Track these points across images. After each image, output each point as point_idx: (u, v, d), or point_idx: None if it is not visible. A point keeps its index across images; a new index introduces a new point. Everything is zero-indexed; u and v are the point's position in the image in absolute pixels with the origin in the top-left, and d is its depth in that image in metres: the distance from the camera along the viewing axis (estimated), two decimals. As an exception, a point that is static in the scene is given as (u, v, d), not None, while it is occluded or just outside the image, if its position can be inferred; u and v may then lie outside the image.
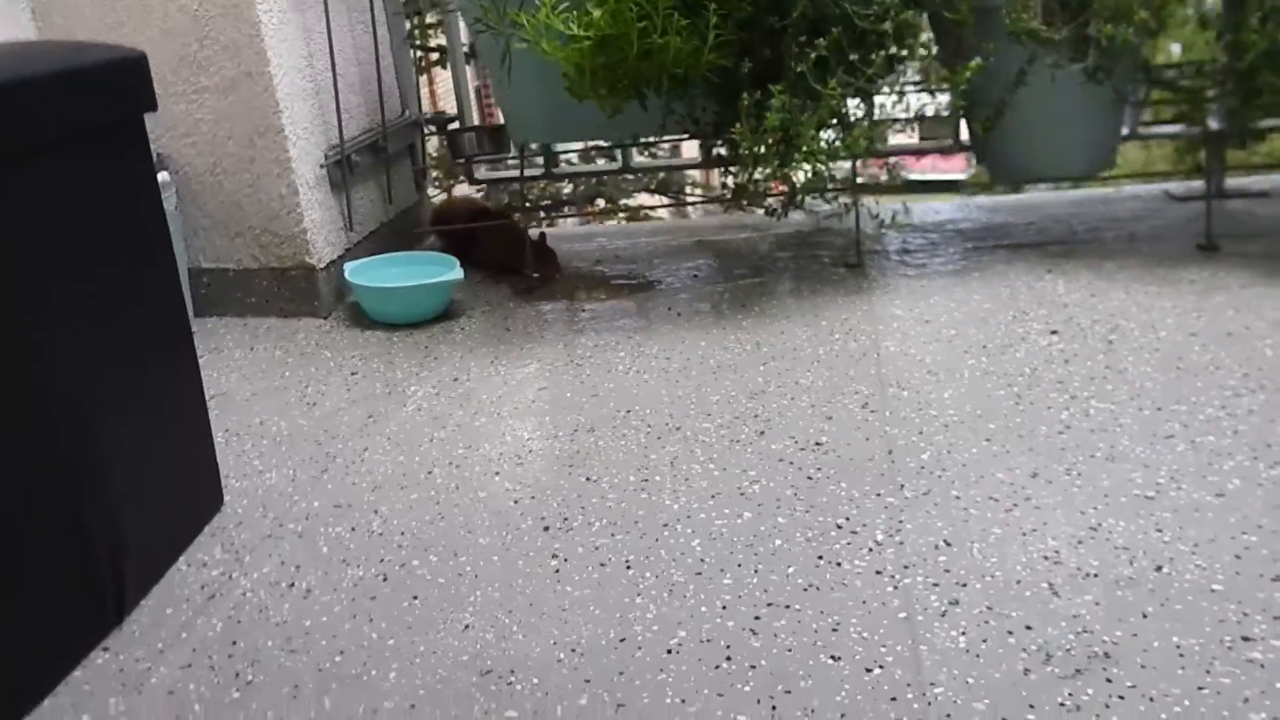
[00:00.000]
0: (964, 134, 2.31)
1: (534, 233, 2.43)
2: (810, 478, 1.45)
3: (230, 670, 1.17)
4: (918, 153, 2.57)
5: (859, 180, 2.24)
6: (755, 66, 1.90)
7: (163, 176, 2.10)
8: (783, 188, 2.08)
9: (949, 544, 1.27)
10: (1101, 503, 1.32)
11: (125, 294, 1.30)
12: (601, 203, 6.20)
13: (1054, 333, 1.83)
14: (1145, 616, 1.11)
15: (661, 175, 5.90)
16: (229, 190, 2.19)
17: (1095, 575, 1.18)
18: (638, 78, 1.90)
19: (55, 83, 1.18)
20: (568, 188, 6.09)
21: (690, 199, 6.06)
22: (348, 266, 2.23)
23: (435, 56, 3.52)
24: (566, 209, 5.92)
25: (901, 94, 2.01)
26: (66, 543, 1.19)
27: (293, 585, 1.32)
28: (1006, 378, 1.68)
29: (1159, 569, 1.18)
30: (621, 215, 5.77)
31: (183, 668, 1.18)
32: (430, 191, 2.96)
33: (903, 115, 2.14)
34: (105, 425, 1.24)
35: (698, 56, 1.85)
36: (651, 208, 5.93)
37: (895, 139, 2.69)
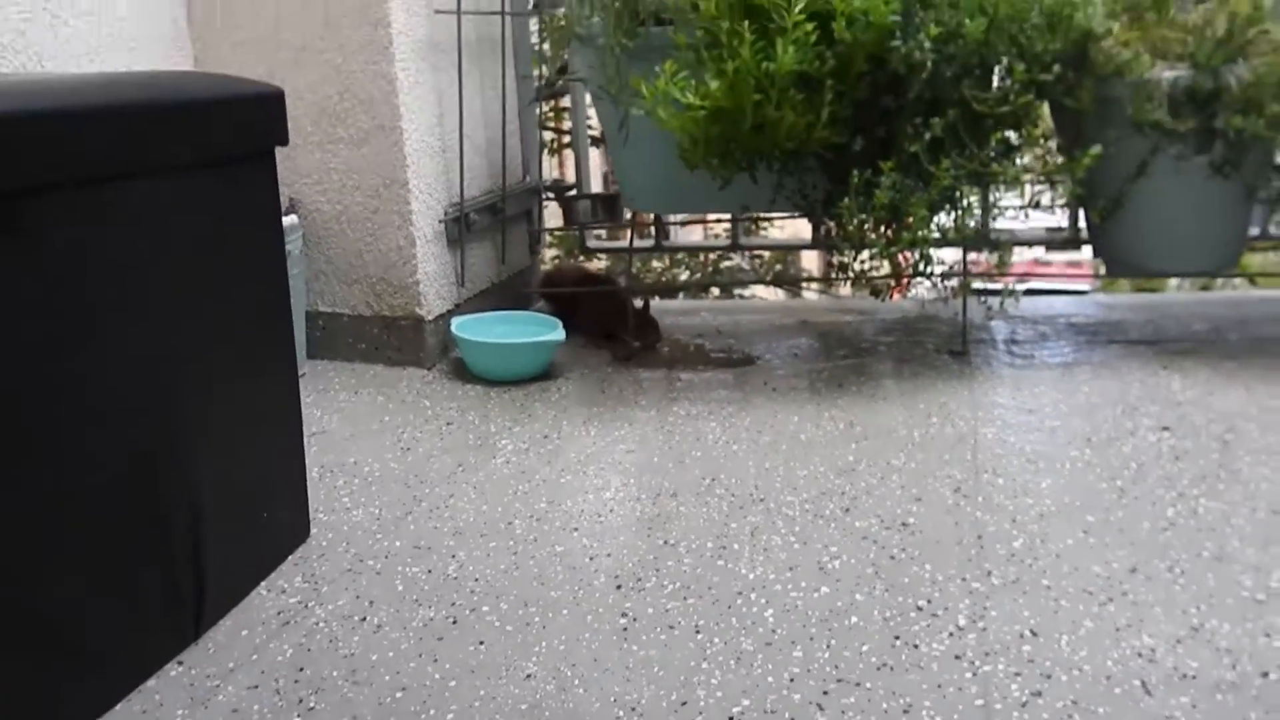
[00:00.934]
0: (1082, 225, 2.26)
1: (637, 302, 2.45)
2: (893, 557, 1.40)
3: (294, 695, 1.18)
4: (1030, 243, 2.51)
5: (971, 268, 2.20)
6: (868, 145, 1.90)
7: (292, 220, 2.20)
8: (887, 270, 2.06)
9: (1035, 634, 1.20)
10: (1205, 603, 1.24)
11: (238, 320, 1.35)
12: (716, 291, 6.25)
13: (1165, 429, 1.75)
14: (1245, 727, 1.03)
15: (778, 267, 5.92)
16: (351, 238, 2.28)
17: (1194, 677, 1.10)
18: (750, 149, 1.92)
19: (199, 108, 1.26)
20: (684, 274, 6.17)
21: (803, 285, 6.06)
22: (455, 321, 2.29)
23: (567, 140, 3.65)
24: (681, 291, 5.98)
25: (1017, 180, 1.98)
26: (155, 558, 1.23)
27: (365, 619, 1.33)
28: (1110, 471, 1.61)
29: (1265, 675, 1.10)
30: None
31: (250, 688, 1.19)
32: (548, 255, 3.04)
33: (1016, 203, 2.10)
34: (205, 448, 1.29)
35: (811, 131, 1.86)
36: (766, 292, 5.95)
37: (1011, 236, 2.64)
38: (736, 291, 5.80)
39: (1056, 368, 2.10)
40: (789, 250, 4.92)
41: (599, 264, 2.99)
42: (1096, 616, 1.23)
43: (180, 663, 1.25)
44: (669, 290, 5.72)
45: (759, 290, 6.24)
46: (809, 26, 1.76)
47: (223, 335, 1.32)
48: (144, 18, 2.15)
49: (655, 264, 5.58)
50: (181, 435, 1.25)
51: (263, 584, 1.42)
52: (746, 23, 1.76)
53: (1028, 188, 2.08)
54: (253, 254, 1.39)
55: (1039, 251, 2.69)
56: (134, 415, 1.18)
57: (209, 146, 1.27)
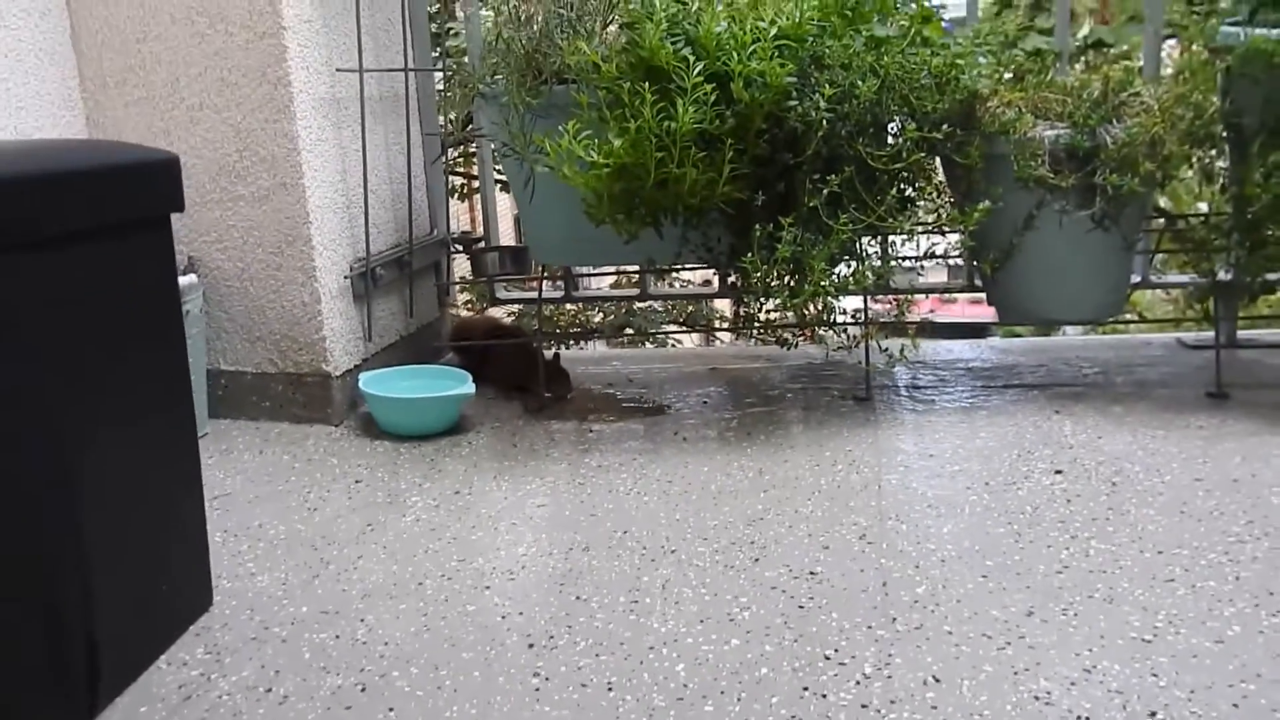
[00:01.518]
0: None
1: (548, 353, 2.46)
2: (802, 606, 1.42)
3: (196, 773, 1.15)
4: (927, 291, 2.60)
5: (873, 317, 2.27)
6: (769, 199, 1.95)
7: (190, 279, 2.16)
8: (791, 319, 2.11)
9: (938, 680, 1.23)
10: (1097, 644, 1.29)
11: (134, 386, 1.32)
12: (630, 331, 6.29)
13: (1058, 472, 1.82)
14: (1136, 766, 1.07)
15: (691, 309, 6.00)
16: (254, 295, 2.25)
17: (1087, 719, 1.14)
18: (654, 205, 1.96)
19: (89, 177, 1.24)
20: (598, 315, 6.20)
21: (715, 329, 6.14)
22: (363, 376, 2.27)
23: (477, 184, 3.67)
24: (595, 336, 6.00)
25: (912, 233, 2.05)
26: (41, 635, 1.19)
27: (270, 690, 1.30)
28: (1007, 515, 1.67)
29: (1153, 715, 1.14)
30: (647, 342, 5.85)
31: (149, 768, 1.16)
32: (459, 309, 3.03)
33: (912, 254, 2.17)
34: (96, 516, 1.25)
35: (713, 188, 1.90)
36: (678, 334, 6.01)
37: (913, 278, 2.73)
38: (650, 331, 5.85)
39: (955, 412, 2.17)
40: (698, 298, 4.99)
41: (508, 315, 2.99)
42: (995, 660, 1.27)
43: (74, 744, 1.20)
44: (581, 335, 5.74)
45: (671, 330, 6.30)
46: (708, 87, 1.80)
47: (119, 403, 1.29)
48: (30, 78, 2.10)
49: (569, 307, 5.61)
50: (74, 506, 1.22)
51: (162, 657, 1.38)
52: (647, 83, 1.80)
53: (923, 239, 2.15)
54: (148, 320, 1.36)
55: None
56: (24, 484, 1.15)
57: (101, 215, 1.24)
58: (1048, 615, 1.36)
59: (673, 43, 1.86)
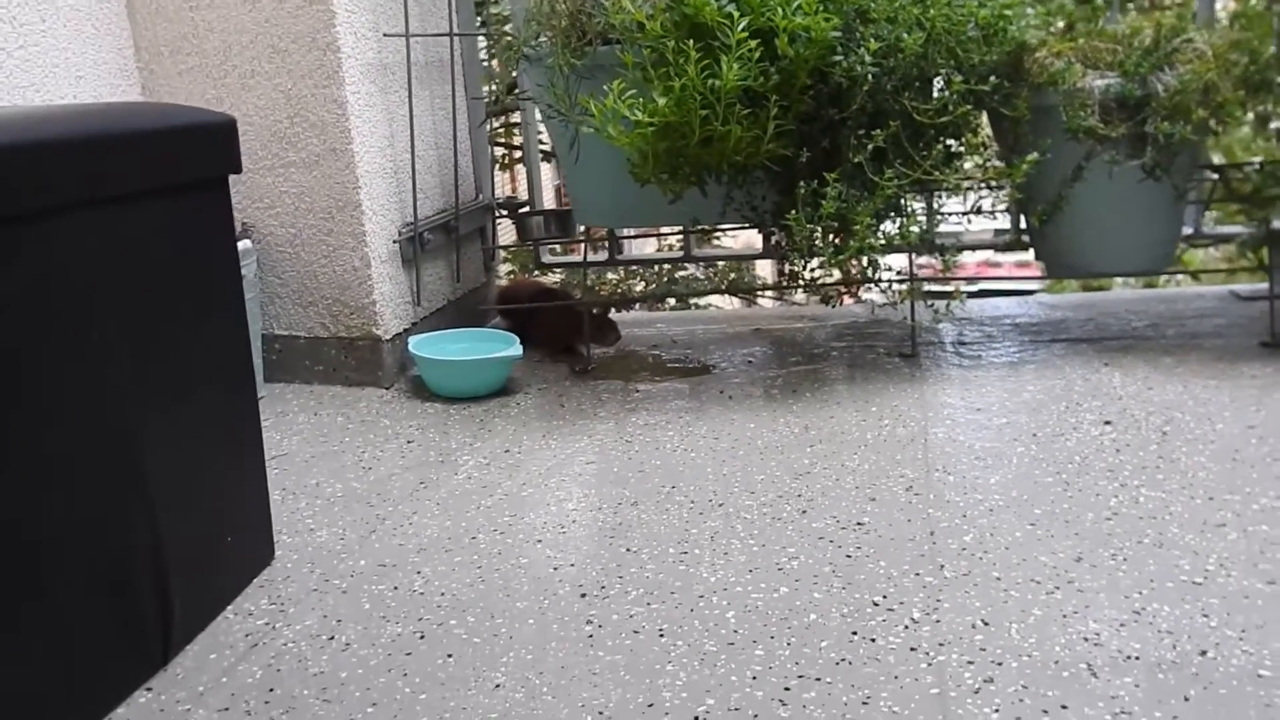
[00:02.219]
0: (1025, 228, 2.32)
1: (596, 310, 2.48)
2: (850, 556, 1.44)
3: (265, 716, 1.19)
4: (974, 247, 2.58)
5: (919, 275, 2.26)
6: (814, 156, 1.95)
7: (245, 244, 2.21)
8: (836, 277, 2.11)
9: (987, 623, 1.25)
10: (1147, 588, 1.29)
11: (194, 345, 1.36)
12: (673, 301, 6.29)
13: (1107, 423, 1.81)
14: (1187, 700, 1.08)
15: (733, 275, 5.98)
16: (305, 261, 2.29)
17: (1137, 658, 1.15)
18: (699, 164, 1.96)
19: (151, 138, 1.27)
20: (639, 284, 6.21)
21: (756, 292, 6.12)
22: (412, 340, 2.31)
23: (519, 155, 3.68)
24: (636, 303, 6.01)
25: (958, 188, 2.04)
26: (119, 586, 1.24)
27: (333, 638, 1.34)
28: (1055, 465, 1.67)
29: (1204, 654, 1.15)
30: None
31: (220, 711, 1.20)
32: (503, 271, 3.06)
33: (959, 209, 2.16)
34: (164, 475, 1.29)
35: (757, 145, 1.91)
36: (719, 299, 6.00)
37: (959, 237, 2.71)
38: (692, 301, 5.86)
39: (1002, 367, 2.16)
40: (741, 260, 4.98)
41: (554, 278, 3.01)
42: (1044, 604, 1.28)
43: (149, 689, 1.25)
44: (625, 301, 5.76)
45: (715, 299, 6.30)
46: (752, 44, 1.80)
47: (181, 363, 1.33)
48: (88, 47, 2.15)
49: (610, 276, 5.62)
50: (143, 464, 1.26)
51: (229, 608, 1.43)
52: (691, 41, 1.80)
53: (970, 194, 2.14)
54: (209, 281, 1.40)
55: (989, 253, 2.76)
56: (96, 445, 1.19)
57: (162, 176, 1.28)
58: (1097, 560, 1.37)
59: (717, -1, 1.86)
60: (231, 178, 1.41)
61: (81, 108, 1.34)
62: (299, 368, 2.36)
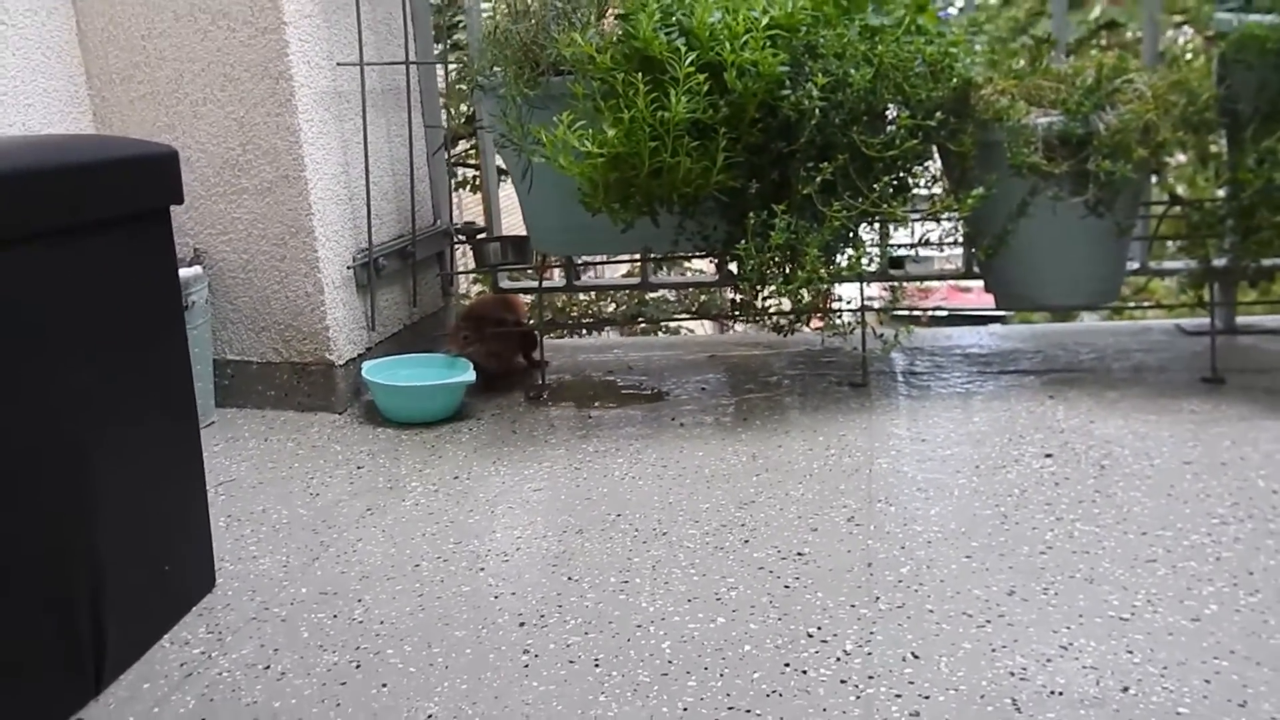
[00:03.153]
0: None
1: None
2: (788, 586, 1.45)
3: (195, 746, 1.18)
4: (923, 279, 2.62)
5: (870, 304, 2.29)
6: (763, 187, 1.97)
7: (197, 270, 2.21)
8: (787, 306, 2.13)
9: (917, 656, 1.26)
10: (1075, 622, 1.31)
11: (137, 372, 1.36)
12: (643, 322, 6.30)
13: (1048, 456, 1.84)
14: (1105, 738, 1.09)
15: (704, 297, 6.01)
16: (259, 286, 2.29)
17: (1060, 694, 1.17)
18: (649, 194, 1.98)
19: (90, 170, 1.28)
20: (610, 305, 6.22)
21: (721, 317, 6.14)
22: (366, 365, 2.31)
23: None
24: (608, 327, 6.02)
25: (906, 220, 2.07)
26: (52, 612, 1.23)
27: (268, 668, 1.34)
28: (995, 497, 1.69)
29: (1125, 689, 1.17)
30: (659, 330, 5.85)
31: (149, 741, 1.20)
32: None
33: (907, 241, 2.19)
34: (103, 501, 1.29)
35: (707, 176, 1.93)
36: (688, 324, 6.02)
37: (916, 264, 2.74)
38: (665, 324, 5.87)
39: (950, 397, 2.19)
40: (699, 287, 5.00)
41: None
42: (975, 638, 1.29)
43: (80, 719, 1.24)
44: (595, 324, 5.76)
45: (683, 318, 6.31)
46: (701, 77, 1.83)
47: (124, 390, 1.33)
48: (38, 75, 2.14)
49: (582, 297, 5.62)
50: (81, 492, 1.26)
51: (166, 636, 1.42)
52: (641, 74, 1.82)
53: (919, 226, 2.17)
54: (149, 310, 1.40)
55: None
56: (33, 472, 1.18)
57: (102, 208, 1.28)
58: (1028, 594, 1.39)
59: (666, 33, 1.88)
60: (185, 203, 1.41)
61: (19, 141, 1.34)
62: (251, 393, 2.35)
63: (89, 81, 2.28)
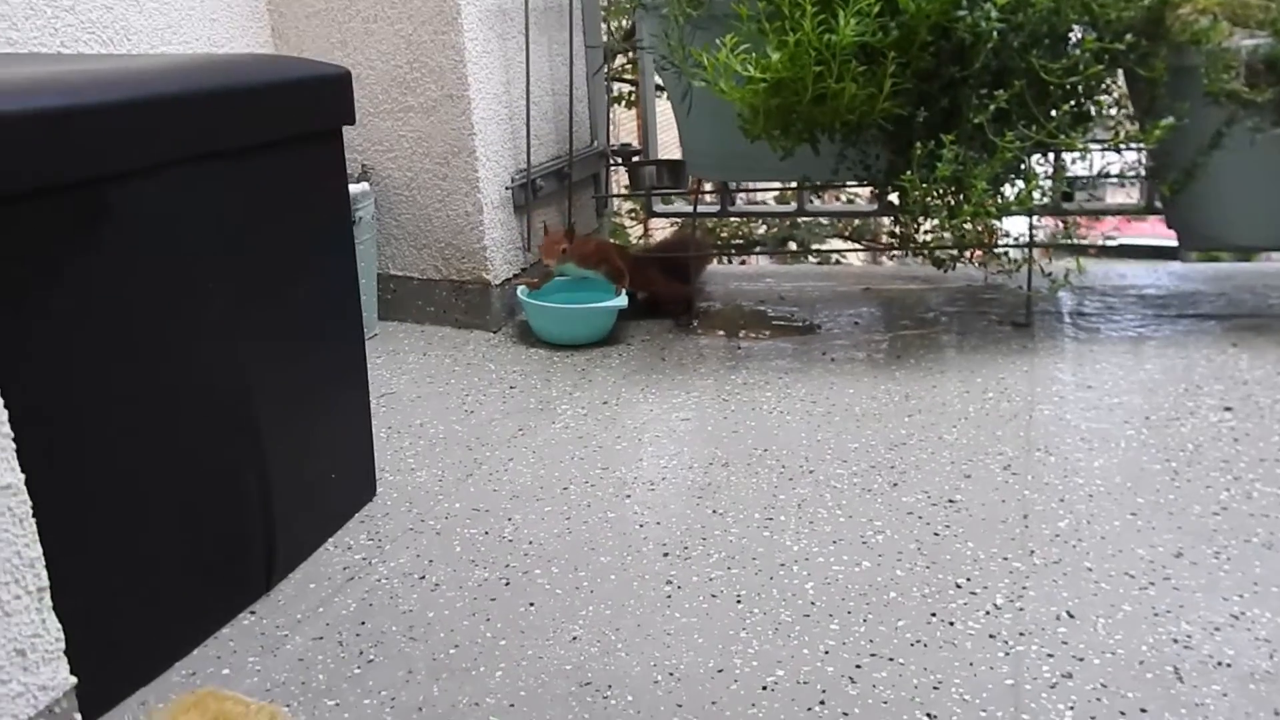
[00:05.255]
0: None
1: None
2: (937, 534, 1.42)
3: (355, 648, 1.25)
4: (1099, 213, 2.47)
5: (1039, 238, 2.18)
6: (931, 116, 1.88)
7: (364, 187, 2.27)
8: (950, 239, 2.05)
9: (1072, 615, 1.22)
10: (1249, 590, 1.24)
11: (304, 288, 1.41)
12: (794, 245, 6.20)
13: (1227, 409, 1.72)
14: (1277, 714, 1.03)
15: (857, 222, 5.85)
16: (421, 204, 2.34)
17: (1229, 665, 1.11)
18: (811, 121, 1.92)
19: (267, 92, 1.32)
20: (761, 228, 6.13)
21: (876, 247, 5.98)
22: (520, 285, 2.34)
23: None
24: (758, 249, 5.94)
25: (1086, 151, 1.95)
26: (227, 515, 1.31)
27: (423, 578, 1.40)
28: (1166, 451, 1.60)
29: (1299, 669, 1.10)
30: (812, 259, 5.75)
31: (314, 639, 1.27)
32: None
33: (1084, 173, 2.06)
34: (271, 410, 1.36)
35: (873, 103, 1.85)
36: (841, 251, 5.88)
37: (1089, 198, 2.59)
38: (813, 247, 5.75)
39: (1121, 342, 2.07)
40: (857, 216, 4.86)
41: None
42: (1135, 600, 1.24)
43: (252, 612, 1.33)
44: (743, 249, 5.69)
45: (835, 243, 6.17)
46: (871, -2, 1.74)
47: (291, 306, 1.39)
48: (223, -9, 2.22)
49: (732, 220, 5.55)
50: (253, 403, 1.32)
51: (330, 540, 1.50)
52: (808, -6, 1.75)
53: (1098, 157, 2.04)
54: (320, 227, 1.44)
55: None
56: (209, 383, 1.26)
57: (277, 129, 1.32)
58: (1198, 558, 1.32)
59: (837, -49, 1.80)
60: (348, 125, 1.45)
61: (200, 60, 1.39)
62: (412, 308, 2.43)
63: (268, -1, 2.35)
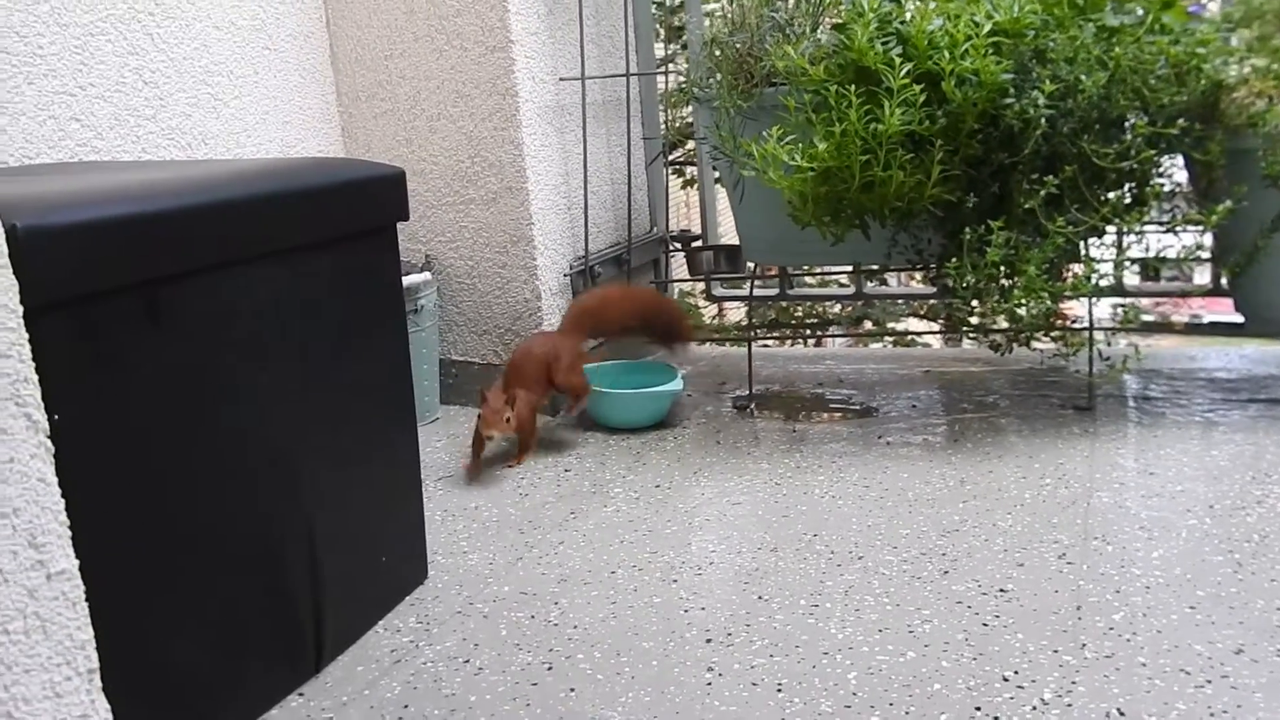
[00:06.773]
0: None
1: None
2: (986, 624, 1.39)
3: (397, 731, 1.27)
4: (1164, 294, 2.42)
5: (1098, 322, 2.15)
6: (981, 201, 1.89)
7: (427, 276, 2.35)
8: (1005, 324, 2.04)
9: (1123, 713, 1.18)
10: (1311, 692, 1.18)
11: (358, 375, 1.46)
12: (869, 324, 6.17)
13: (1296, 499, 1.67)
14: (1335, 827, 0.98)
15: (932, 302, 5.80)
16: (481, 291, 2.41)
17: (1285, 772, 1.06)
18: (860, 208, 1.95)
19: (325, 194, 1.39)
20: (835, 307, 6.11)
21: (948, 326, 5.92)
22: (579, 369, 2.38)
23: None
24: (833, 329, 5.93)
25: (1142, 234, 1.93)
26: (277, 598, 1.35)
27: (468, 661, 1.41)
28: (1230, 542, 1.55)
29: (1362, 776, 1.05)
30: (888, 340, 5.72)
31: (358, 722, 1.29)
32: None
33: (1141, 255, 2.04)
34: (322, 494, 1.40)
35: (921, 190, 1.87)
36: (919, 334, 5.85)
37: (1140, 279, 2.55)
38: (887, 329, 5.71)
39: (1187, 427, 2.02)
40: (911, 298, 4.84)
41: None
42: (1191, 699, 1.19)
43: (301, 694, 1.35)
44: (817, 327, 5.68)
45: (911, 323, 6.13)
46: (916, 88, 1.77)
47: (346, 394, 1.44)
48: (295, 95, 2.34)
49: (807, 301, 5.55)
50: (304, 487, 1.37)
51: (380, 622, 1.53)
52: (854, 86, 1.79)
53: (1154, 240, 2.02)
54: (374, 316, 1.50)
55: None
56: (264, 470, 1.30)
57: (335, 227, 1.39)
58: (1259, 655, 1.26)
59: (883, 42, 1.84)
60: (418, 213, 1.52)
61: (266, 165, 1.47)
62: (473, 391, 2.48)
63: (338, 100, 2.47)
